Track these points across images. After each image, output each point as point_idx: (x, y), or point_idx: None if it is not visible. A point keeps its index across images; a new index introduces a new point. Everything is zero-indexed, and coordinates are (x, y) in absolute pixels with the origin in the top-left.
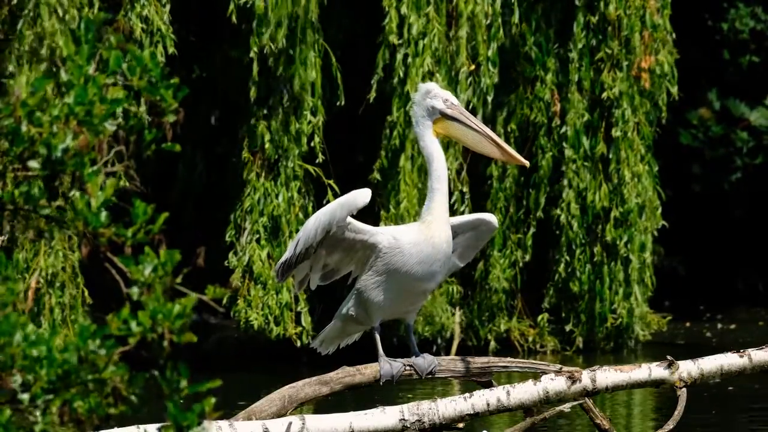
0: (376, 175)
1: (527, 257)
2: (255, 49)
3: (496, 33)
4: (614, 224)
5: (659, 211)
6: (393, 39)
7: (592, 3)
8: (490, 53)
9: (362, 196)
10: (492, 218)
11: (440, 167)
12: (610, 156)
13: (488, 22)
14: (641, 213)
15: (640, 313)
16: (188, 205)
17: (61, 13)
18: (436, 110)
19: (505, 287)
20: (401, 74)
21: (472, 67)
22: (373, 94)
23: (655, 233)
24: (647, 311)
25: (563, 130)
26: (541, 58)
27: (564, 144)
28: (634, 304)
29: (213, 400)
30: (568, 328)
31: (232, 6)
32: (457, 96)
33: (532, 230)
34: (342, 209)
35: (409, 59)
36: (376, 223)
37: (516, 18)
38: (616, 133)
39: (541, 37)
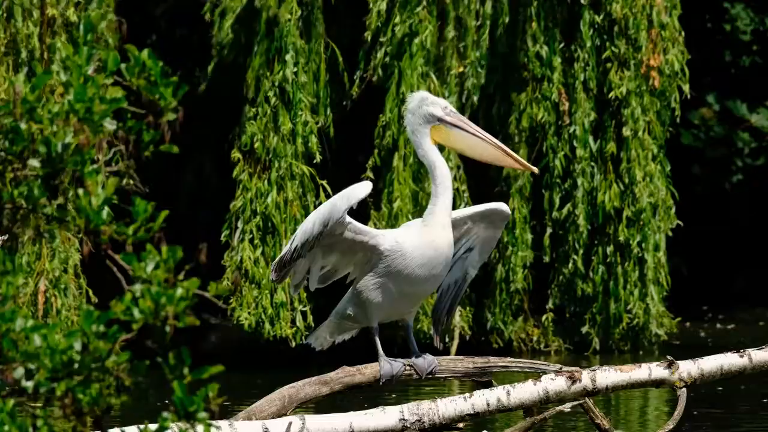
0: (369, 174)
1: (546, 258)
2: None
3: (483, 34)
4: (627, 224)
5: (673, 210)
6: (383, 38)
7: (597, 2)
8: (478, 54)
9: (362, 188)
10: (503, 206)
11: (444, 173)
12: (621, 155)
13: (479, 23)
14: (654, 213)
15: (657, 313)
16: (192, 204)
17: (34, 15)
18: (435, 117)
19: (525, 287)
20: (396, 73)
21: (461, 68)
22: (355, 90)
23: (670, 233)
24: (664, 311)
25: (572, 129)
26: (548, 56)
27: (574, 143)
28: (651, 305)
29: (217, 385)
30: (584, 329)
31: (208, 5)
32: (447, 96)
33: (548, 231)
34: (342, 201)
35: (403, 59)
36: (367, 222)
37: (506, 18)
38: (626, 132)
39: (549, 36)
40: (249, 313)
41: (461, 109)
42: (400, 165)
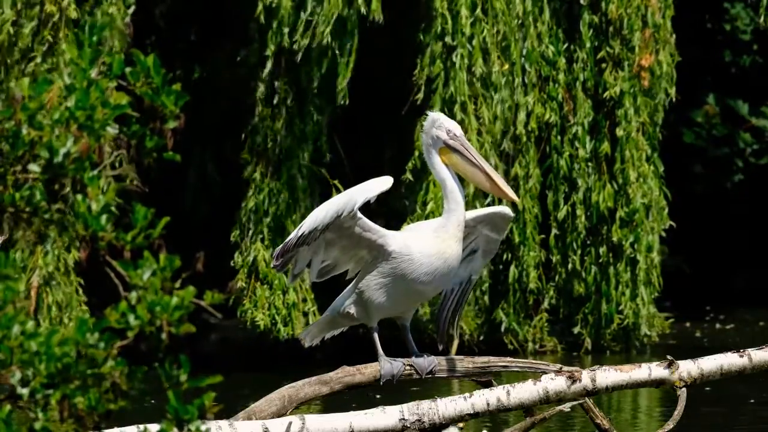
0: (409, 176)
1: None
2: (269, 50)
3: (528, 31)
4: (620, 224)
5: (666, 211)
6: (446, 39)
7: (595, 2)
8: (524, 51)
9: (382, 182)
10: (506, 209)
11: (454, 189)
12: (615, 156)
13: (520, 21)
14: (647, 213)
15: (647, 314)
16: (196, 205)
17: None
18: (440, 140)
19: (539, 287)
20: (452, 75)
21: (506, 66)
22: (420, 95)
23: (663, 233)
24: (654, 312)
25: (574, 130)
26: (555, 57)
27: (575, 144)
28: (641, 306)
29: (213, 394)
30: (576, 330)
31: (260, 6)
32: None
33: (554, 231)
34: (359, 194)
35: (457, 59)
36: (403, 221)
37: (548, 16)
38: (620, 132)
39: (553, 36)
40: (262, 313)
41: (508, 110)
42: None
